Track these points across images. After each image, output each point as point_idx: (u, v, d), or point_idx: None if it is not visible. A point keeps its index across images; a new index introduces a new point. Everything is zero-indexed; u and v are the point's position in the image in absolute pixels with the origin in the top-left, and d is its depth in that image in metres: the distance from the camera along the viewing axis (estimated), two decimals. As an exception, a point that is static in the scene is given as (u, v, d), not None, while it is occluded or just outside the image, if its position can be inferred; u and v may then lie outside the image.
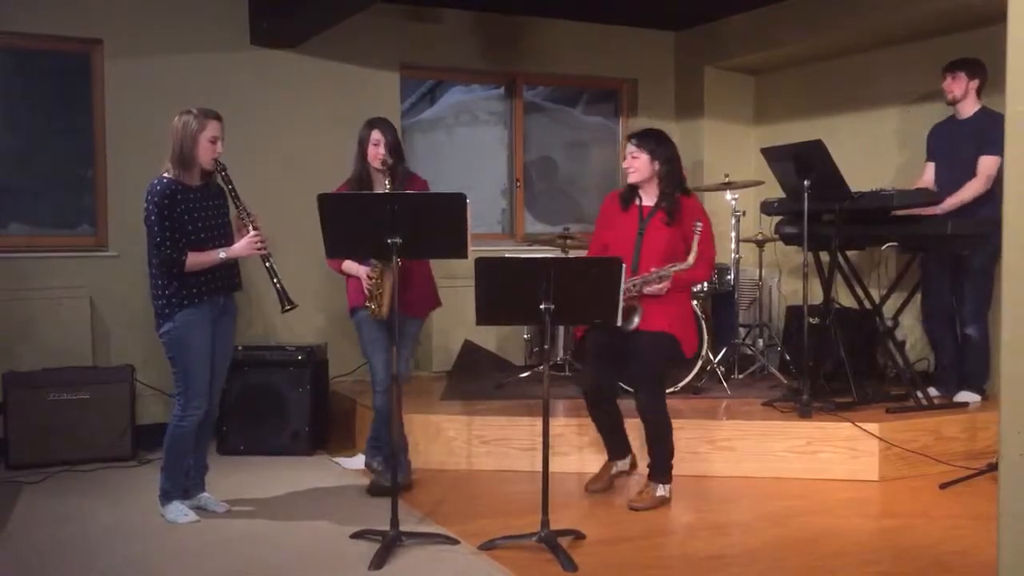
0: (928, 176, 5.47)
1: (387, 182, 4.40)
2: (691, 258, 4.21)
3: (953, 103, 5.30)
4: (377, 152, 4.46)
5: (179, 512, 4.16)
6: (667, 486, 4.37)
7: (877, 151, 6.28)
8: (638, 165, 4.31)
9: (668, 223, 4.26)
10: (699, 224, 4.24)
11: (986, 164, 5.12)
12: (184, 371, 4.08)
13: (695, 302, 5.47)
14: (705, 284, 5.86)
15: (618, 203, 4.47)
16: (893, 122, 6.25)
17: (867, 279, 5.63)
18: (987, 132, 5.09)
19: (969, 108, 5.27)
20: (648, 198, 4.38)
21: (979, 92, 5.25)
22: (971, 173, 5.17)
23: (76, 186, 5.92)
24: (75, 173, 5.91)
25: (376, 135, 4.47)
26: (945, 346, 5.49)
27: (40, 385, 5.15)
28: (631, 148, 4.35)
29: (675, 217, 4.26)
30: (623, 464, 4.70)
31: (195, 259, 4.01)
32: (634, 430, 4.60)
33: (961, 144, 5.26)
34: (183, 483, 4.26)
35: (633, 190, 4.43)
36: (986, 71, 5.21)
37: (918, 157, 5.68)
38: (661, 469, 4.37)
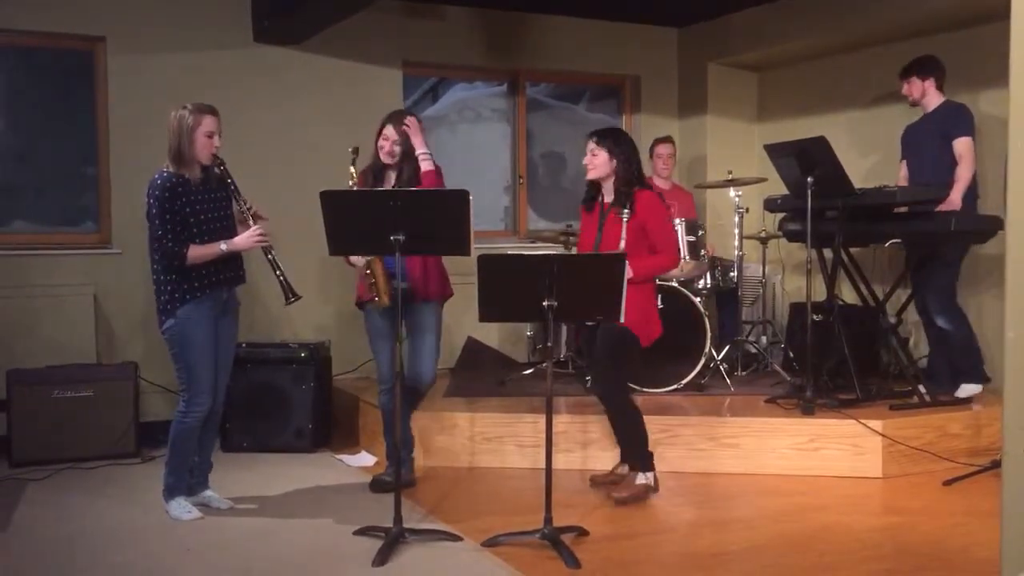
0: (903, 174, 5.56)
1: (394, 178, 4.41)
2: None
3: (915, 105, 5.44)
4: (385, 147, 4.44)
5: (183, 509, 4.16)
6: (648, 474, 4.40)
7: (880, 148, 6.26)
8: (597, 162, 4.40)
9: (626, 217, 4.33)
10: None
11: (961, 146, 5.18)
12: (187, 367, 4.08)
13: (698, 299, 5.51)
14: (709, 280, 5.88)
15: (584, 207, 4.59)
16: (896, 119, 6.21)
17: (870, 274, 5.61)
18: (948, 120, 5.23)
19: (933, 103, 5.36)
20: (608, 195, 4.46)
21: (940, 88, 5.34)
22: (934, 164, 5.25)
23: (79, 183, 5.93)
24: (78, 170, 5.92)
25: (387, 131, 4.43)
26: (931, 339, 5.51)
27: (44, 382, 5.16)
28: (591, 145, 4.43)
29: (632, 211, 4.33)
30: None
31: (196, 252, 4.00)
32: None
33: (925, 137, 5.36)
34: (187, 480, 4.27)
35: (595, 190, 4.50)
36: (940, 67, 5.32)
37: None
38: (635, 456, 4.45)
